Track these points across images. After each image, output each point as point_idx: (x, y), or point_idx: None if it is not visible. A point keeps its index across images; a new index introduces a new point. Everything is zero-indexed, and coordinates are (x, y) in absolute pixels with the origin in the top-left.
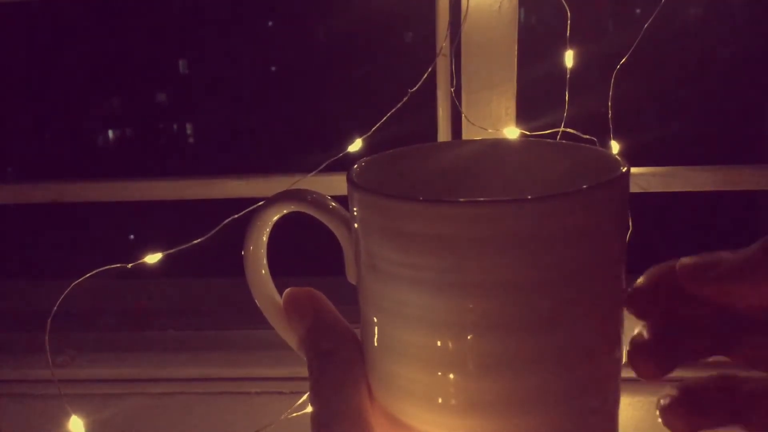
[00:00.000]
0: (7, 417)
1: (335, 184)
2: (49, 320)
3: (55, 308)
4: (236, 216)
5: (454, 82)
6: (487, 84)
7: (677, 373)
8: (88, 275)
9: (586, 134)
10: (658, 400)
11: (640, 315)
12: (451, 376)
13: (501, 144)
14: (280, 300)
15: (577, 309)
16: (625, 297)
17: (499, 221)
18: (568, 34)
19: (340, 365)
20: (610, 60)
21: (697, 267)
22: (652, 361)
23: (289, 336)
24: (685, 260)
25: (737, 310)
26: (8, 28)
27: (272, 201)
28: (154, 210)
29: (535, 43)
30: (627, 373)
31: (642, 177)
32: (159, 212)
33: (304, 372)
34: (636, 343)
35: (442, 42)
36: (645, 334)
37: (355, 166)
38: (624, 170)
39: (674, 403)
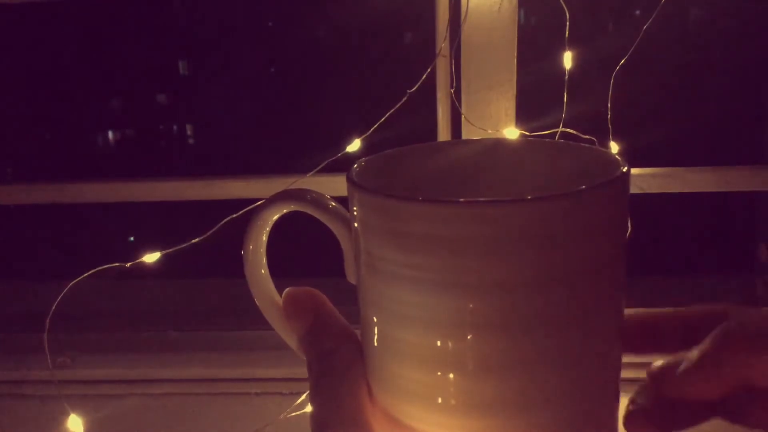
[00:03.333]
0: (6, 417)
1: (334, 185)
2: (47, 320)
3: (54, 308)
4: (235, 216)
5: (454, 82)
6: (486, 85)
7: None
8: (86, 275)
9: (585, 135)
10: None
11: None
12: (451, 376)
13: (501, 144)
14: (279, 300)
15: (578, 309)
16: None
17: (499, 221)
18: (567, 35)
19: (340, 365)
20: (609, 61)
21: (661, 370)
22: (649, 428)
23: (289, 336)
24: (653, 365)
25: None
26: (7, 28)
27: (272, 200)
28: (154, 210)
29: (534, 44)
30: (626, 373)
31: (641, 178)
32: (159, 212)
33: (303, 372)
34: (632, 410)
35: (442, 42)
36: (640, 399)
37: (355, 165)
38: (624, 170)
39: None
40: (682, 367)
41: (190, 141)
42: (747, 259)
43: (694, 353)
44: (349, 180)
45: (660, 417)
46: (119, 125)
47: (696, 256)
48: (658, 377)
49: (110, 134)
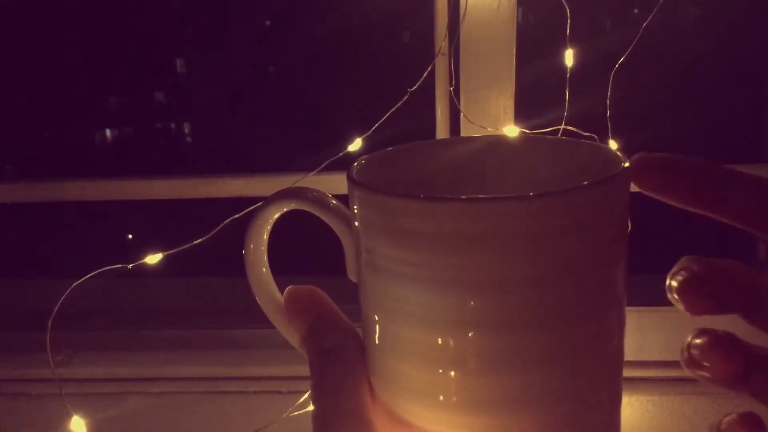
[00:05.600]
0: (7, 416)
1: (335, 184)
2: (50, 320)
3: (56, 309)
4: (237, 216)
5: (453, 81)
6: (485, 83)
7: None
8: (88, 276)
9: (585, 133)
10: (670, 280)
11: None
12: (452, 373)
13: (501, 141)
14: (281, 298)
15: (579, 306)
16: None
17: (500, 218)
18: (567, 33)
19: (341, 363)
20: (608, 59)
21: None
22: (703, 296)
23: (291, 334)
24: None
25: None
26: (6, 26)
27: (273, 199)
28: (154, 210)
29: (533, 42)
30: (627, 372)
31: None
32: (159, 212)
33: (303, 371)
34: (687, 277)
35: (441, 41)
36: (694, 267)
37: (355, 163)
38: (625, 166)
39: (693, 278)
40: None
41: (189, 139)
42: (746, 258)
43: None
44: (350, 178)
45: (717, 287)
46: (117, 123)
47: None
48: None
49: (108, 132)
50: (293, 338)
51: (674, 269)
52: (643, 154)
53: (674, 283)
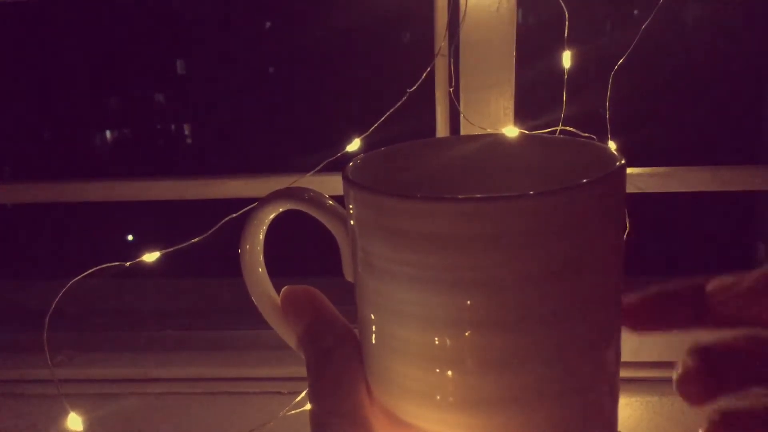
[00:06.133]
0: (6, 416)
1: (333, 184)
2: (47, 319)
3: (53, 307)
4: (234, 215)
5: (453, 81)
6: (485, 84)
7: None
8: (85, 274)
9: (584, 133)
10: (675, 373)
11: (638, 326)
12: (449, 373)
13: (497, 140)
14: (277, 299)
15: (576, 304)
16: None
17: (497, 218)
18: (566, 34)
19: (338, 363)
20: (608, 60)
21: (723, 285)
22: (701, 389)
23: (288, 334)
24: (714, 282)
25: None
26: (4, 27)
27: (269, 199)
28: (152, 210)
29: (533, 43)
30: (626, 372)
31: (640, 177)
32: (157, 212)
33: (302, 372)
34: (682, 371)
35: (441, 42)
36: (691, 361)
37: (351, 163)
38: (621, 163)
39: (692, 372)
40: (746, 281)
41: (188, 140)
42: (745, 259)
43: (756, 272)
44: (345, 177)
45: (708, 377)
46: (117, 125)
47: (694, 256)
48: (717, 293)
49: (108, 133)
50: (290, 338)
51: (679, 362)
52: (628, 299)
53: (674, 377)
